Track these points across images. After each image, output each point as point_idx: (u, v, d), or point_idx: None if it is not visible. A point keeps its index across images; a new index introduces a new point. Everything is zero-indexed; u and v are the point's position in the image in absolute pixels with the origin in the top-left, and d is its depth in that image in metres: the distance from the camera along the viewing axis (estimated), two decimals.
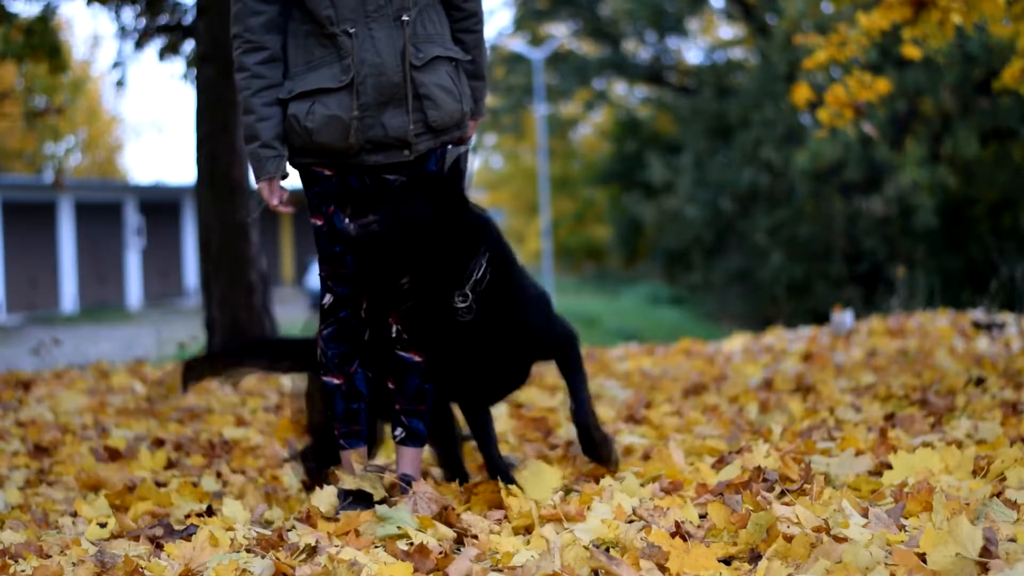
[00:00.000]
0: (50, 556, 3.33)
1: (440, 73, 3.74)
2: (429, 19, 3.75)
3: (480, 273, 3.72)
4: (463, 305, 3.70)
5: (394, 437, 3.96)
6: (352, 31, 3.65)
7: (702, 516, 3.37)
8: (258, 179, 3.75)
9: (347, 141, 3.67)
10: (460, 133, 3.85)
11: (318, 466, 4.11)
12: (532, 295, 3.90)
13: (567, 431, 5.04)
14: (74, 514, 3.96)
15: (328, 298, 3.86)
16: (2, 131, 25.48)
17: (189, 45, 9.72)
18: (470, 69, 3.89)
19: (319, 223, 3.81)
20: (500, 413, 5.43)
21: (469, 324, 3.75)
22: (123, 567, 3.09)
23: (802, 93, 8.09)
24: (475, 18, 3.89)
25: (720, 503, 3.27)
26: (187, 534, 3.47)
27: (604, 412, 5.45)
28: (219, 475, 4.58)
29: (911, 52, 7.57)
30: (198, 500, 4.05)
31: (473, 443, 4.80)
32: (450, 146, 3.84)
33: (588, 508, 3.38)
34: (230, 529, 3.44)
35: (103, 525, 3.68)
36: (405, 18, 3.67)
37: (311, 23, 3.69)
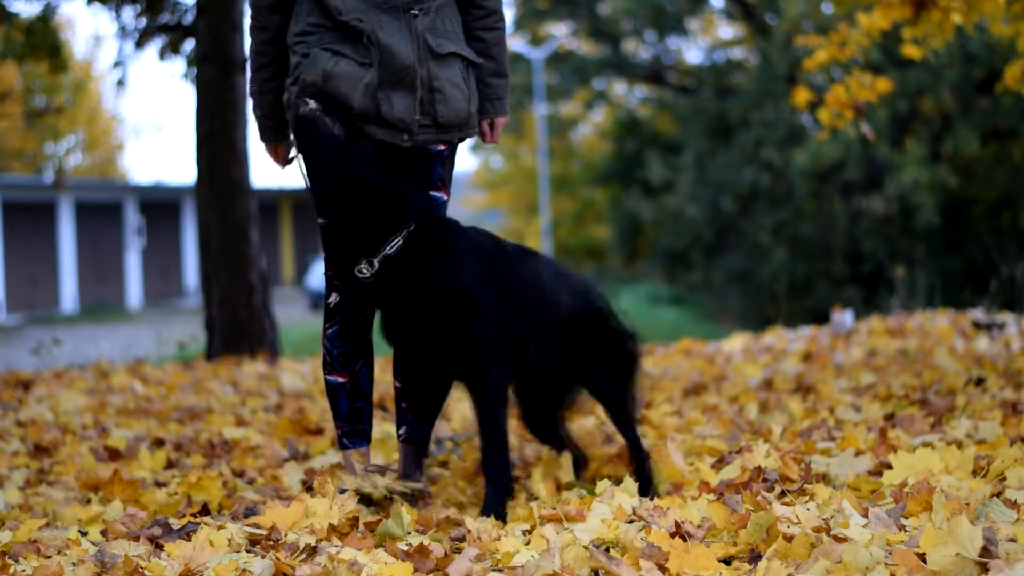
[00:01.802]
0: (50, 556, 3.33)
1: (454, 70, 3.79)
2: (447, 17, 3.81)
3: (393, 249, 3.60)
4: (363, 275, 3.62)
5: (398, 436, 3.97)
6: (363, 20, 3.69)
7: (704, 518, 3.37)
8: (261, 142, 4.05)
9: (361, 99, 3.69)
10: (464, 134, 3.85)
11: None
12: (460, 295, 3.60)
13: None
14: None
15: (334, 297, 3.87)
16: (2, 131, 25.49)
17: (189, 45, 9.72)
18: (491, 67, 3.91)
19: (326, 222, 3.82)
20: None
21: (377, 295, 3.67)
22: (123, 567, 3.09)
23: (802, 96, 8.11)
24: (495, 16, 3.92)
25: (720, 503, 3.27)
26: (186, 533, 3.47)
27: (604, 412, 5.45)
28: (219, 475, 4.58)
29: (911, 52, 7.58)
30: (207, 497, 4.05)
31: (473, 442, 4.81)
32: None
33: (588, 508, 3.38)
34: (222, 528, 3.44)
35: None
36: (414, 12, 3.72)
37: (323, 16, 3.75)
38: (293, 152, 4.01)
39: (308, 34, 3.78)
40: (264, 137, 4.01)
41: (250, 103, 4.01)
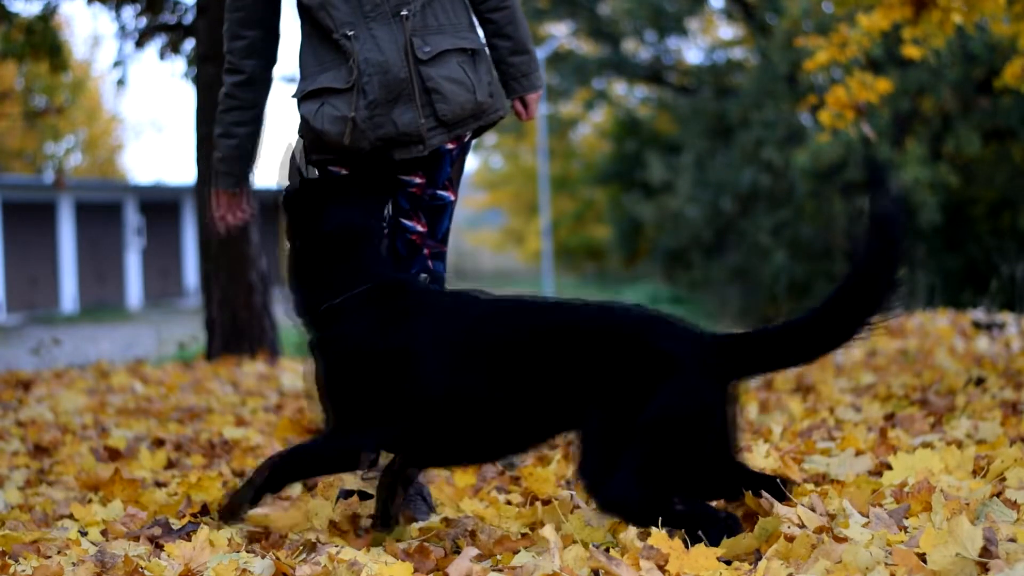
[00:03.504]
0: (50, 556, 3.33)
1: (450, 65, 3.70)
2: (441, 9, 3.73)
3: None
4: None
5: None
6: (351, 33, 3.65)
7: None
8: (212, 186, 3.90)
9: (359, 142, 3.67)
10: (479, 124, 3.78)
11: None
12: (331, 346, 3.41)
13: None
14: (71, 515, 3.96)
15: None
16: (2, 131, 25.49)
17: (190, 44, 9.71)
18: (508, 46, 3.82)
19: None
20: None
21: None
22: (123, 567, 3.09)
23: (809, 101, 8.14)
24: None
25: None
26: (186, 533, 3.46)
27: None
28: (219, 475, 4.58)
29: (912, 52, 7.57)
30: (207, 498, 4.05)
31: None
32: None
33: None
34: (222, 528, 3.44)
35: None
36: (404, 13, 3.66)
37: (318, 29, 3.70)
38: (247, 207, 3.91)
39: (300, 56, 3.75)
40: (218, 182, 3.86)
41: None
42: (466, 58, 3.74)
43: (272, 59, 3.85)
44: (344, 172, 3.75)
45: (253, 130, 3.84)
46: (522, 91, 3.88)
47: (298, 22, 3.81)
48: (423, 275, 3.80)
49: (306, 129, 3.71)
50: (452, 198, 3.83)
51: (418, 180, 3.78)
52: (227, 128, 3.83)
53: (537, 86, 3.88)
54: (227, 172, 3.86)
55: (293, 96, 3.77)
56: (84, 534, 3.62)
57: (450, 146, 3.77)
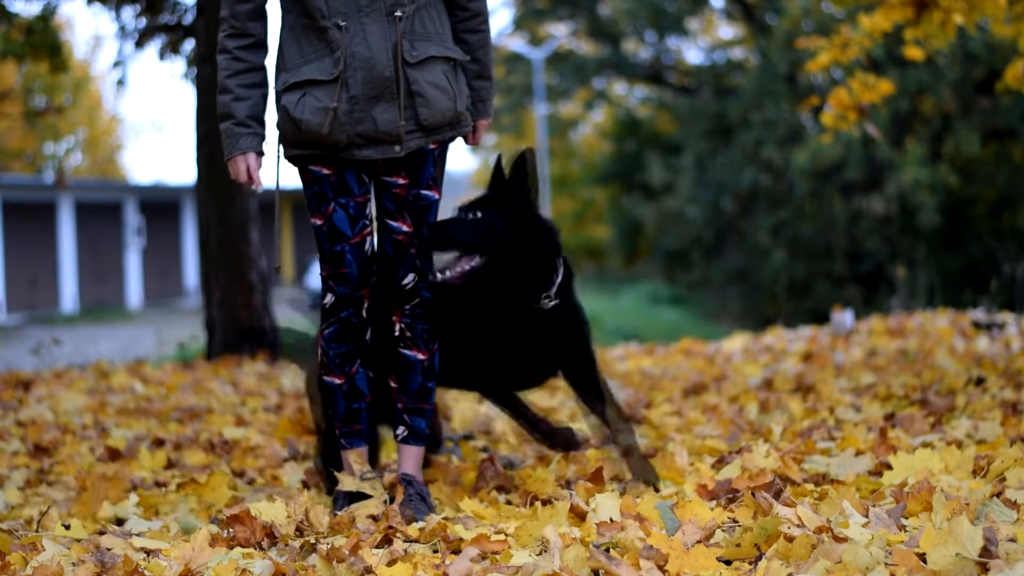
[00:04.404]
0: (50, 556, 3.32)
1: (435, 71, 3.74)
2: (429, 17, 3.75)
3: (560, 277, 3.93)
4: (550, 305, 3.92)
5: (396, 436, 3.96)
6: (343, 24, 3.66)
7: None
8: (228, 156, 3.78)
9: (337, 134, 3.67)
10: (455, 133, 3.84)
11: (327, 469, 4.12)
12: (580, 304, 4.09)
13: None
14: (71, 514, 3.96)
15: (329, 298, 3.86)
16: (2, 131, 25.49)
17: (189, 44, 9.72)
18: (475, 69, 3.89)
19: (319, 223, 3.82)
20: (500, 413, 5.42)
21: (530, 323, 3.93)
22: (123, 567, 3.09)
23: (811, 102, 8.14)
24: (480, 18, 3.88)
25: (721, 507, 3.27)
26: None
27: None
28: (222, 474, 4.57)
29: (914, 53, 7.57)
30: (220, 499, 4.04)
31: (473, 442, 4.82)
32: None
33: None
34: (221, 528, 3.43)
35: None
36: (398, 14, 3.68)
37: (306, 16, 3.71)
38: (258, 164, 3.83)
39: (282, 48, 3.76)
40: (235, 147, 3.75)
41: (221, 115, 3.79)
42: (450, 67, 3.79)
43: (268, 27, 3.83)
44: (325, 172, 3.76)
45: (264, 93, 3.81)
46: (477, 116, 3.94)
47: (280, 13, 3.81)
48: (411, 275, 3.82)
49: (285, 119, 3.72)
50: (436, 197, 3.86)
51: (401, 181, 3.80)
52: (239, 92, 3.76)
53: (490, 114, 3.97)
54: (251, 133, 3.77)
55: (274, 89, 3.77)
56: (67, 527, 3.63)
57: (432, 146, 3.80)
